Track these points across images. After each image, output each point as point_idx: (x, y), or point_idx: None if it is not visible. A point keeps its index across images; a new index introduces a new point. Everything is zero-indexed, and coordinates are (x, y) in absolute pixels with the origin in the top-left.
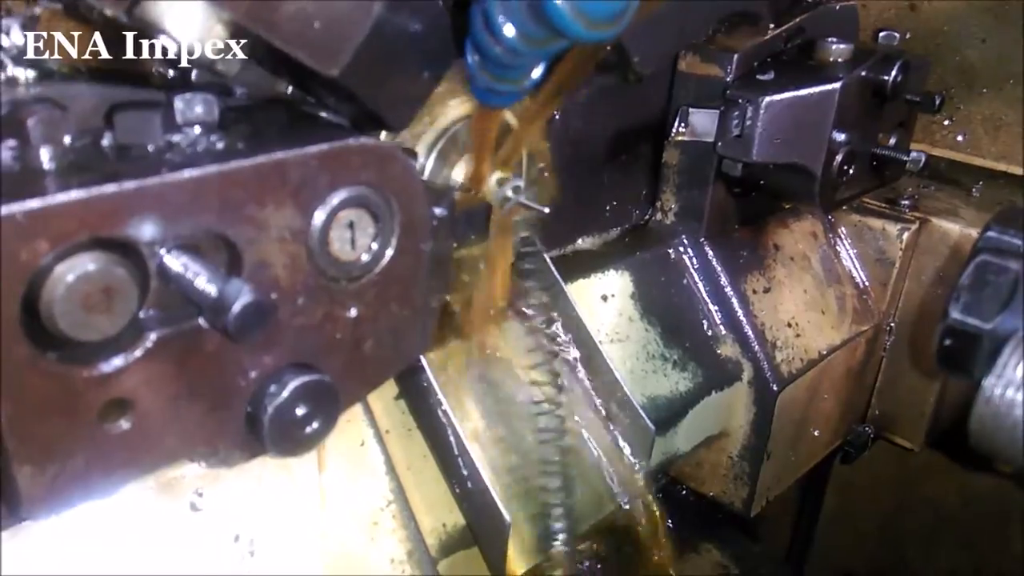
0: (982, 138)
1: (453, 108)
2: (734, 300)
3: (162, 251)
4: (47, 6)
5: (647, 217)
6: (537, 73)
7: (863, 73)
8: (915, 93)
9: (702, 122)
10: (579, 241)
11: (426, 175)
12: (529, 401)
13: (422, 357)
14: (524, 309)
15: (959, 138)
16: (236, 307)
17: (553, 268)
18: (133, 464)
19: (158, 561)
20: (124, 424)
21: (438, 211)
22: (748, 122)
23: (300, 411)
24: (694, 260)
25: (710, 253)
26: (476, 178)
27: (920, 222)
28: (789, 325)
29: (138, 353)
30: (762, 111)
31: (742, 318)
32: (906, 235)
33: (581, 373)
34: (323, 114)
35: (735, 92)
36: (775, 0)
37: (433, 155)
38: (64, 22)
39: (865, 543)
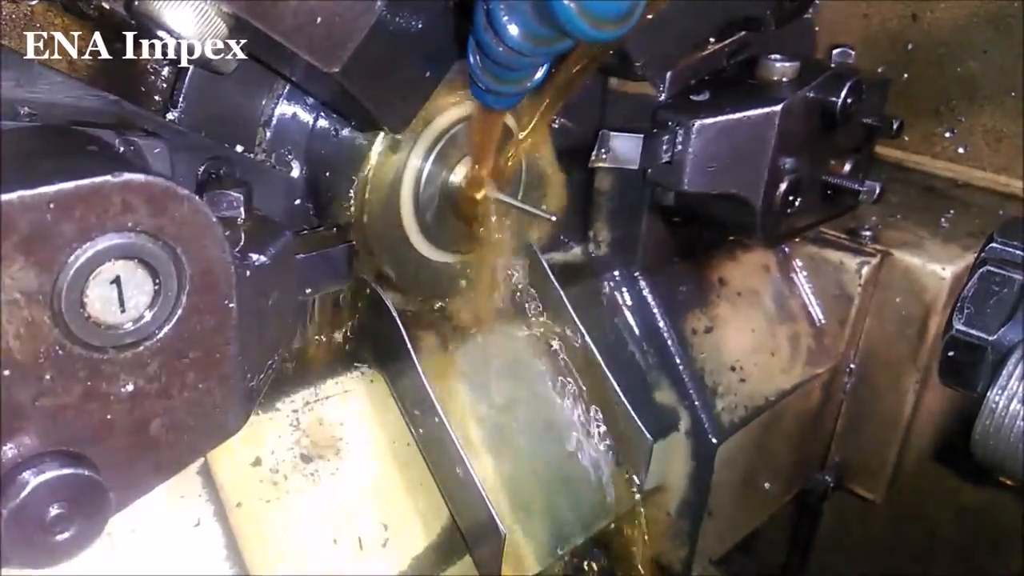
0: (983, 150)
1: (453, 109)
2: (670, 341)
3: None
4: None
5: (581, 248)
6: (539, 75)
7: (809, 94)
8: (873, 116)
9: (623, 147)
10: None
11: (424, 177)
12: (524, 410)
13: (417, 364)
14: (520, 315)
15: (960, 150)
16: None
17: (551, 274)
18: None
19: None
20: None
21: (257, 258)
22: (678, 147)
23: (52, 513)
24: (627, 296)
25: (645, 288)
26: (475, 181)
27: (882, 255)
28: (733, 369)
29: None
30: (693, 135)
31: (678, 361)
32: (866, 269)
33: (576, 384)
34: (116, 141)
35: (665, 114)
36: (779, 6)
37: (432, 157)
38: (60, 17)
39: (861, 562)
